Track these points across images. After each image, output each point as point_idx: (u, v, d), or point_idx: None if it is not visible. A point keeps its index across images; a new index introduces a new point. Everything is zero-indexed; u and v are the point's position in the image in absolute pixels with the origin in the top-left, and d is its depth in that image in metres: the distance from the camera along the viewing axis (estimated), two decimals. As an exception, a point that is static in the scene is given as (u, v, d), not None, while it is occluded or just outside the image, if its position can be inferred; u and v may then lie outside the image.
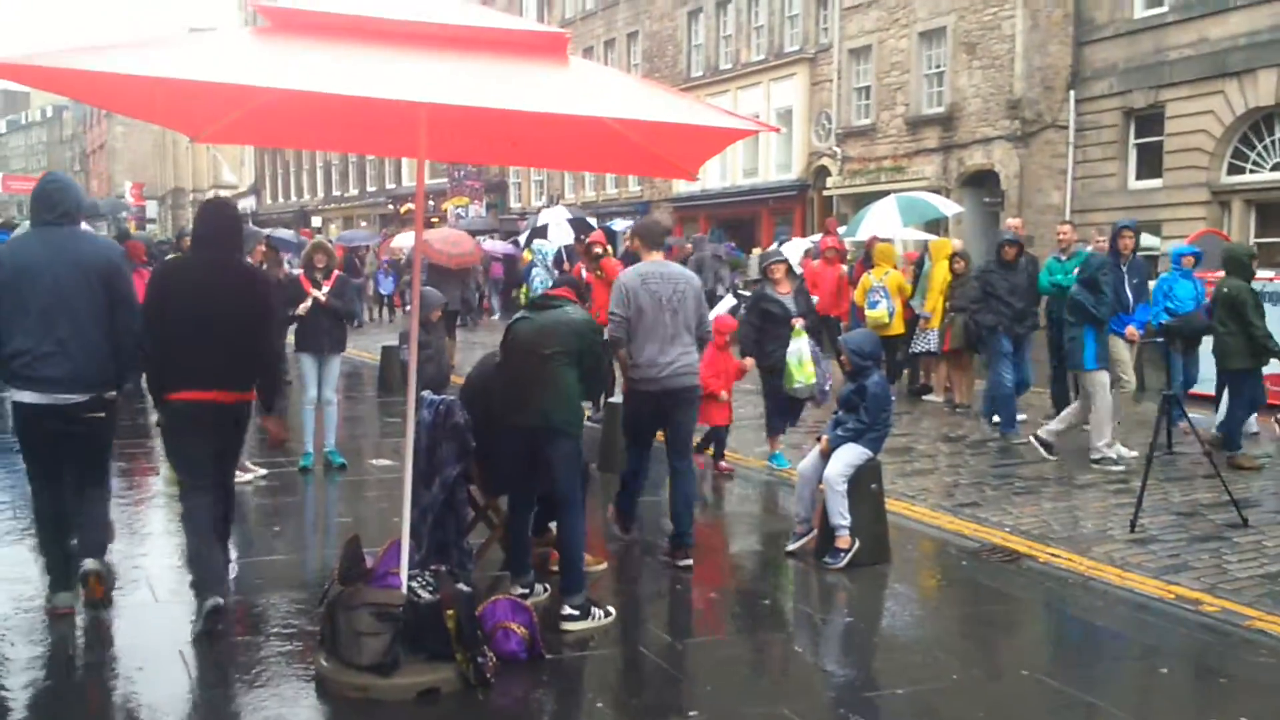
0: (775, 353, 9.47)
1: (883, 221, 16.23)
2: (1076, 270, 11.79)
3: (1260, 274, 12.96)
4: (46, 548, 5.95)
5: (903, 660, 5.66)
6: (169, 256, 10.09)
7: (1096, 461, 9.78)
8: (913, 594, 6.88)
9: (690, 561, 6.93)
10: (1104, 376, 9.77)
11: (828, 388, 9.52)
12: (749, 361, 9.64)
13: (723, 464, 9.83)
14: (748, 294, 20.52)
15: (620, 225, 26.62)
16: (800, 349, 9.36)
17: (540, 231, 21.06)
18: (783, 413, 9.96)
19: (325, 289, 9.40)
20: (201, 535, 5.68)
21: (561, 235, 19.89)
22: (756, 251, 29.42)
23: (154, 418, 6.85)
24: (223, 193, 70.74)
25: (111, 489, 6.36)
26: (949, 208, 18.06)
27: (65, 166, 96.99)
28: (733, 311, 17.25)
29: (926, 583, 7.13)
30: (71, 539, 5.91)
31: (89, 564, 5.86)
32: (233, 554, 7.00)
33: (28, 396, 5.62)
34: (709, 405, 9.32)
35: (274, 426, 6.23)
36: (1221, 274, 10.34)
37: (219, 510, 5.84)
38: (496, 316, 27.88)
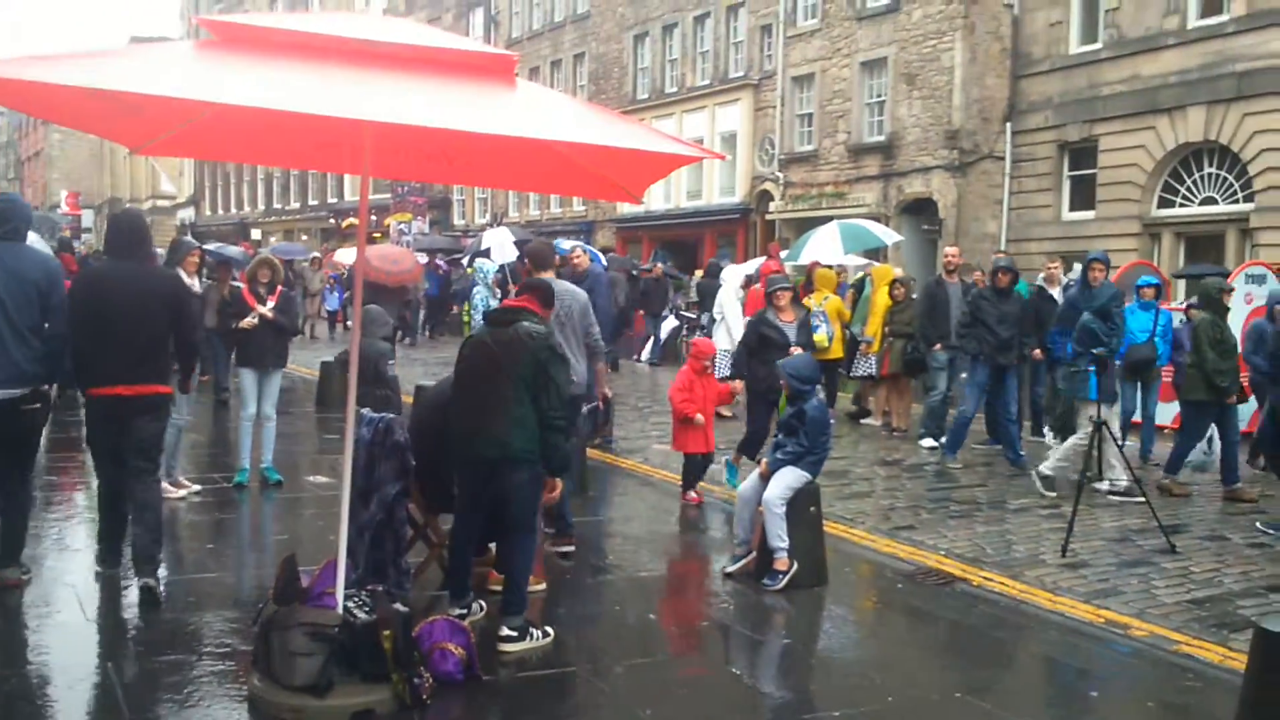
0: (766, 379, 9.20)
1: (825, 247, 16.38)
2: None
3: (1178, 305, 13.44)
4: None
5: (840, 682, 5.71)
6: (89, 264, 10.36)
7: (1042, 481, 9.82)
8: (850, 616, 6.95)
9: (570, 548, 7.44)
10: (1102, 410, 9.26)
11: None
12: (738, 384, 9.40)
13: (690, 494, 9.47)
14: (690, 315, 20.58)
15: (567, 244, 26.44)
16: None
17: (483, 254, 20.92)
18: (757, 442, 9.73)
19: (270, 304, 9.33)
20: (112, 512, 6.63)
21: (505, 255, 19.77)
22: (699, 274, 29.60)
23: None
24: (161, 203, 69.93)
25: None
26: (889, 236, 18.27)
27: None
28: (674, 334, 17.17)
29: (863, 605, 7.19)
30: None
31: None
32: (164, 572, 6.94)
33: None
34: (683, 431, 9.23)
35: None
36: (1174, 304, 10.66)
37: (132, 490, 6.45)
38: (425, 334, 27.48)
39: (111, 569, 6.79)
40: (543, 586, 6.83)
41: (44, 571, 6.88)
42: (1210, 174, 19.40)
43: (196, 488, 9.21)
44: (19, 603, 6.27)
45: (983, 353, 11.12)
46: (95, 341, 6.24)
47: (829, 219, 19.51)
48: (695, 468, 9.45)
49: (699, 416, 9.10)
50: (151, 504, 6.49)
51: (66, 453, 10.47)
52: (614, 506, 9.76)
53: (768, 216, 28.95)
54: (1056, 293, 12.25)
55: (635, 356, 21.21)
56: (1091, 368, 9.33)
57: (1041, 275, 13.04)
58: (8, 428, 6.16)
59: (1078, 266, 11.88)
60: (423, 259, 17.13)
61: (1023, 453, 11.16)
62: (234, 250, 15.88)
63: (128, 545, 6.63)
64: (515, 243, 20.36)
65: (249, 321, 9.20)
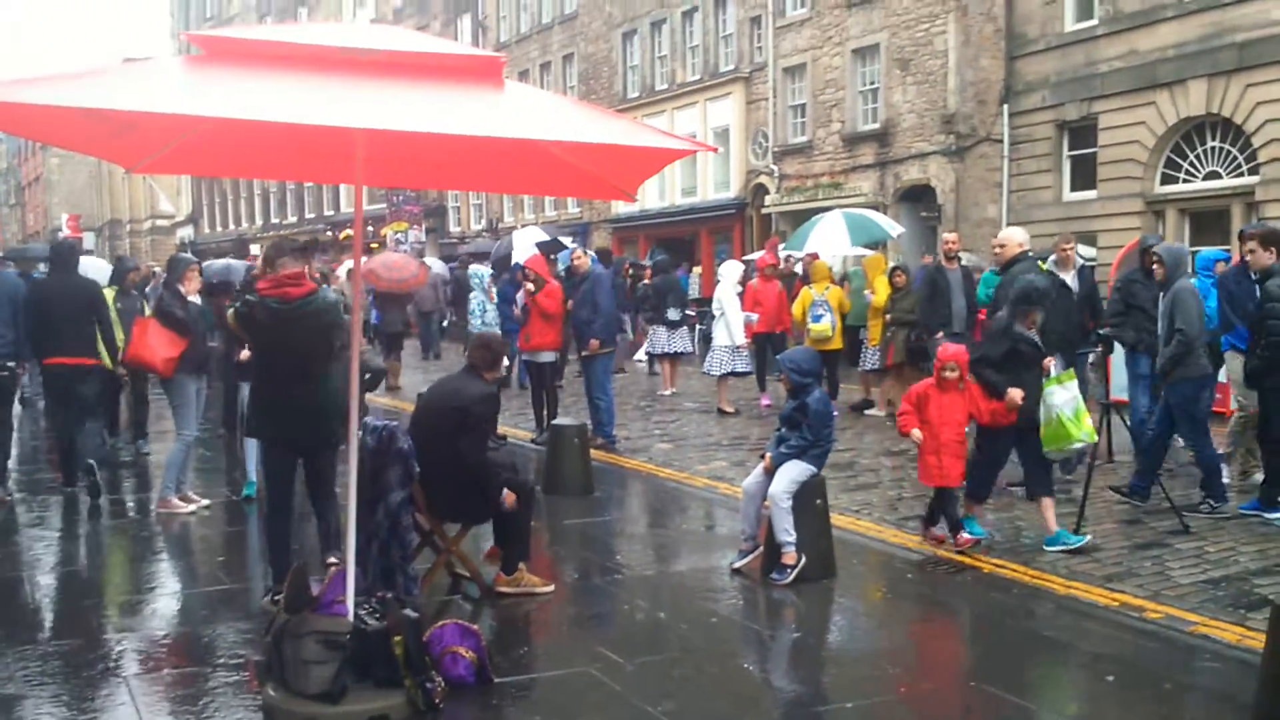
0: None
1: (831, 238, 16.33)
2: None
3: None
4: None
5: (851, 674, 5.70)
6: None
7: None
8: (859, 607, 6.94)
9: None
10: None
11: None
12: (1017, 393, 7.41)
13: (963, 535, 7.62)
14: (691, 313, 20.49)
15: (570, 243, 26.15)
16: (1075, 398, 7.55)
17: (504, 261, 20.38)
18: (989, 480, 8.10)
19: None
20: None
21: (522, 256, 19.23)
22: (696, 270, 29.59)
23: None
24: (160, 223, 70.04)
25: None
26: (894, 228, 18.23)
27: (0, 200, 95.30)
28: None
29: (873, 596, 7.19)
30: None
31: None
32: (177, 584, 7.03)
33: None
34: (923, 457, 7.59)
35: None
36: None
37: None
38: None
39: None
40: (551, 589, 6.84)
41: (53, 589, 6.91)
42: (1213, 148, 19.30)
43: (206, 502, 9.23)
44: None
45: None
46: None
47: (826, 210, 19.48)
48: (942, 504, 7.70)
49: (915, 433, 7.53)
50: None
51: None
52: (620, 506, 9.77)
53: (764, 210, 28.92)
54: (1070, 277, 10.57)
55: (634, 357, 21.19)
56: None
57: (1053, 258, 10.99)
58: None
59: (1084, 249, 10.80)
60: (484, 268, 16.68)
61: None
62: (239, 265, 15.78)
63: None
64: (540, 244, 20.00)
65: (245, 355, 9.10)
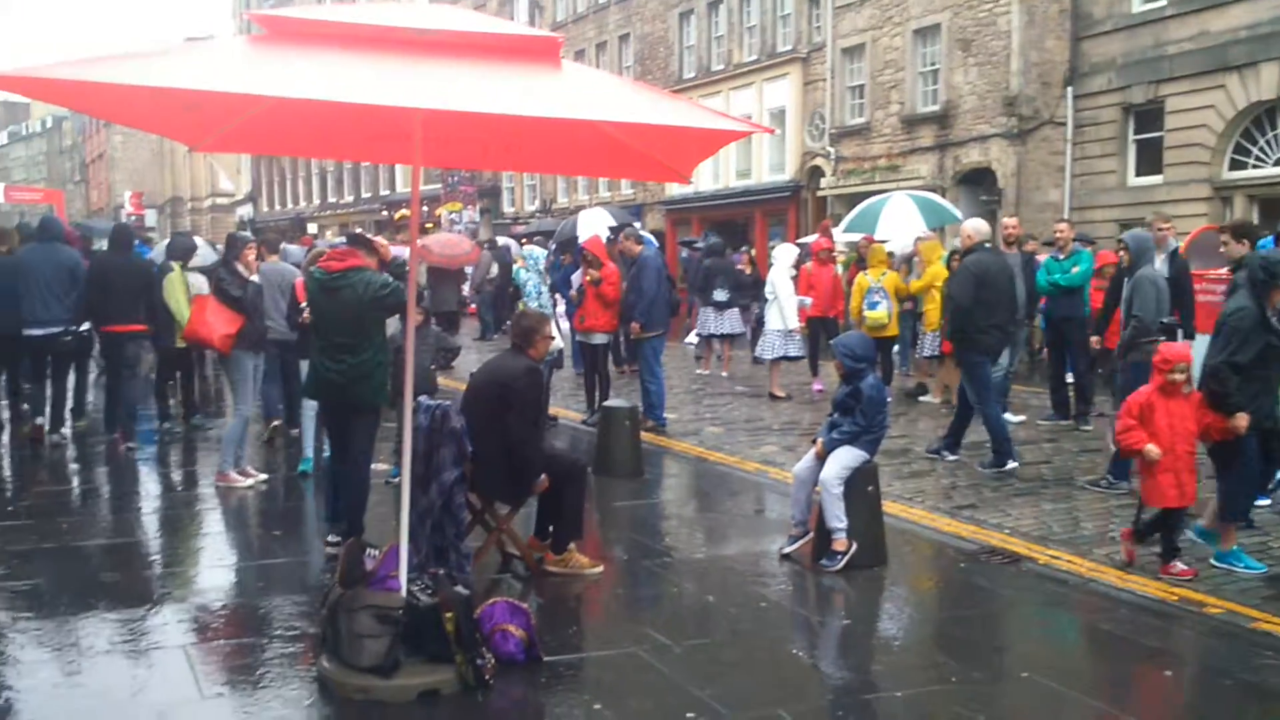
0: (1260, 401, 6.83)
1: (902, 222, 16.15)
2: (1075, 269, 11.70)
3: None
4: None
5: (901, 662, 5.67)
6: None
7: None
8: (910, 596, 6.89)
9: None
10: None
11: None
12: (1243, 420, 6.66)
13: (1175, 565, 6.83)
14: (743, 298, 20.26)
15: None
16: None
17: (571, 240, 19.86)
18: (1248, 495, 7.16)
19: None
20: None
21: (585, 236, 18.74)
22: (751, 253, 29.40)
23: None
24: (220, 201, 70.95)
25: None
26: (958, 213, 18.02)
27: (65, 177, 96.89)
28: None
29: (924, 585, 7.14)
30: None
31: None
32: (234, 557, 7.19)
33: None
34: (1148, 473, 6.77)
35: None
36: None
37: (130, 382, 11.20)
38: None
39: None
40: (600, 569, 6.87)
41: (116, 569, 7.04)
42: (1284, 133, 18.86)
43: (264, 476, 9.35)
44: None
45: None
46: (105, 298, 10.84)
47: (882, 193, 19.29)
48: (1165, 525, 6.87)
49: (1151, 449, 6.66)
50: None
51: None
52: (668, 489, 9.78)
53: (819, 193, 28.71)
54: (1161, 261, 10.00)
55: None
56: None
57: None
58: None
59: (1135, 232, 10.41)
60: (539, 249, 16.21)
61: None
62: (295, 250, 15.79)
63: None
64: (612, 228, 19.69)
65: (306, 315, 9.25)
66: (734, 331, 16.87)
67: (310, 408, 9.50)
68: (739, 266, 18.40)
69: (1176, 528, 6.86)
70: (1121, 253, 9.55)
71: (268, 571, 7.01)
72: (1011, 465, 9.80)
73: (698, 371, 17.14)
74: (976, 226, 10.59)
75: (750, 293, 17.73)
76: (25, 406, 11.59)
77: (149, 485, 9.66)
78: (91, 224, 30.99)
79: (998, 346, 10.17)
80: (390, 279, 6.90)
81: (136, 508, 8.81)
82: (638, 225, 20.35)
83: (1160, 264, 9.89)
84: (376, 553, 5.41)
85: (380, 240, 7.77)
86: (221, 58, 4.49)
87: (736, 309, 16.76)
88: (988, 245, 10.50)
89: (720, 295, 16.19)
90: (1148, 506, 6.85)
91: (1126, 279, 9.24)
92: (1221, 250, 8.91)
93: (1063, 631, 6.30)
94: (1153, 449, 6.62)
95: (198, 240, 13.12)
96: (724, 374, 16.77)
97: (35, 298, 10.59)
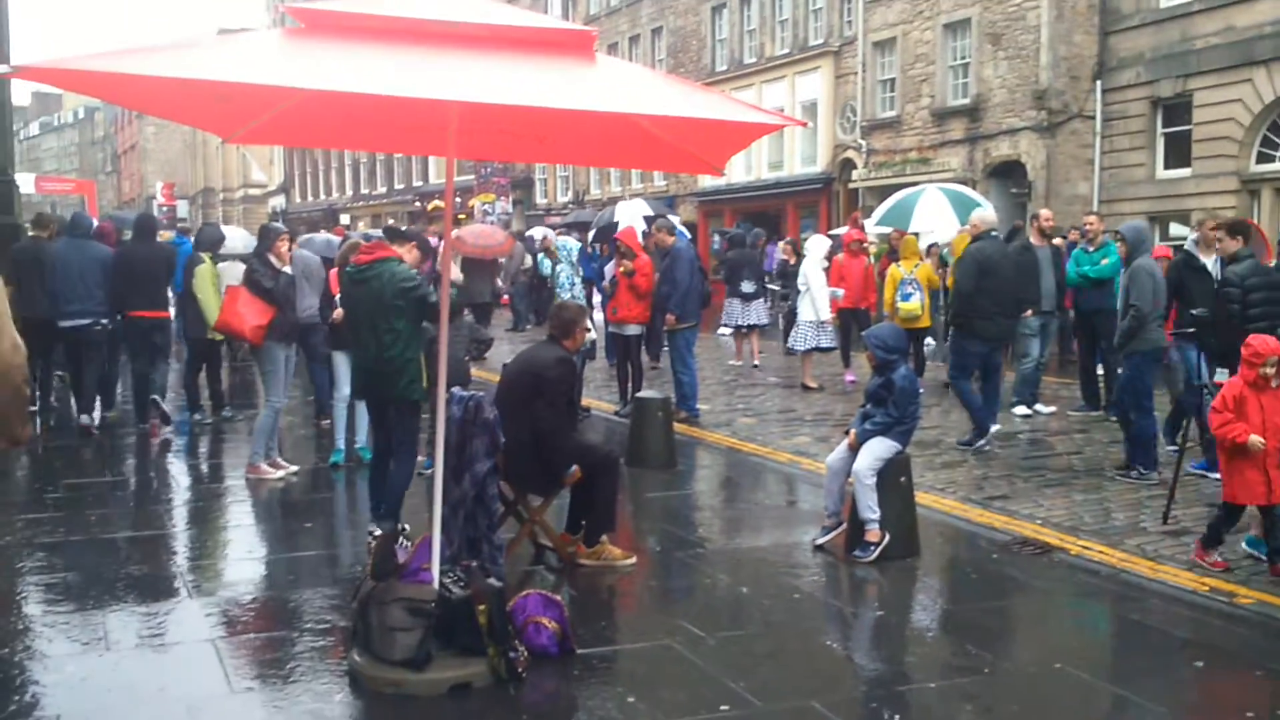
0: None
1: (935, 217, 16.07)
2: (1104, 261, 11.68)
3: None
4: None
5: (934, 653, 5.66)
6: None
7: None
8: (943, 587, 6.88)
9: None
10: None
11: None
12: None
13: (1211, 556, 6.77)
14: (775, 288, 20.26)
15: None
16: None
17: (609, 230, 20.21)
18: None
19: None
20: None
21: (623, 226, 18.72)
22: (783, 244, 29.33)
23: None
24: (253, 192, 71.36)
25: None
26: (989, 206, 17.88)
27: (97, 167, 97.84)
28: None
29: (957, 576, 7.11)
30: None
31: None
32: (265, 549, 7.24)
33: (68, 322, 11.03)
34: (1234, 469, 6.51)
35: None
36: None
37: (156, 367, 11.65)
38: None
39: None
40: (632, 560, 6.88)
41: (157, 558, 7.11)
42: (1312, 127, 18.70)
43: (295, 468, 9.41)
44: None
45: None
46: (129, 286, 11.24)
47: (913, 185, 19.20)
48: (1230, 521, 6.72)
49: (1255, 440, 6.32)
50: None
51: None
52: (701, 480, 9.78)
53: (850, 185, 28.64)
54: (1211, 262, 9.46)
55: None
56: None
57: (1192, 237, 10.29)
58: (89, 339, 11.26)
59: (1132, 223, 10.34)
60: (573, 241, 16.24)
61: None
62: (320, 240, 15.68)
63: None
64: (647, 219, 19.73)
65: (338, 314, 9.31)
66: (760, 322, 16.93)
67: (342, 399, 9.57)
68: (781, 256, 18.40)
69: (1235, 521, 6.71)
70: (1119, 244, 9.77)
71: (298, 564, 7.03)
72: (992, 430, 10.41)
73: (730, 362, 17.15)
74: (983, 215, 10.84)
75: (792, 283, 17.76)
76: (54, 401, 12.12)
77: (179, 477, 9.75)
78: (123, 215, 31.33)
79: (999, 335, 10.48)
80: (416, 273, 6.94)
81: (166, 500, 8.88)
82: (675, 218, 20.33)
83: (1212, 265, 9.49)
84: (409, 544, 5.44)
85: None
86: (256, 50, 4.51)
87: (761, 300, 16.78)
88: (994, 234, 10.71)
89: (747, 287, 16.19)
90: (1226, 503, 6.65)
91: (1123, 269, 9.46)
92: (1216, 246, 9.07)
93: (1095, 622, 6.27)
94: (1257, 440, 6.33)
95: (238, 230, 13.52)
96: (755, 364, 16.77)
97: (68, 290, 10.98)
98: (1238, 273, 8.37)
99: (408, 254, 7.43)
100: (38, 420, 11.44)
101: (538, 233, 24.93)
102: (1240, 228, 8.91)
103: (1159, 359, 9.26)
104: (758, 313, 16.67)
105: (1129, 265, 9.23)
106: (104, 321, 11.22)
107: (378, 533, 6.99)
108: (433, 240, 10.86)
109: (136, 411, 11.55)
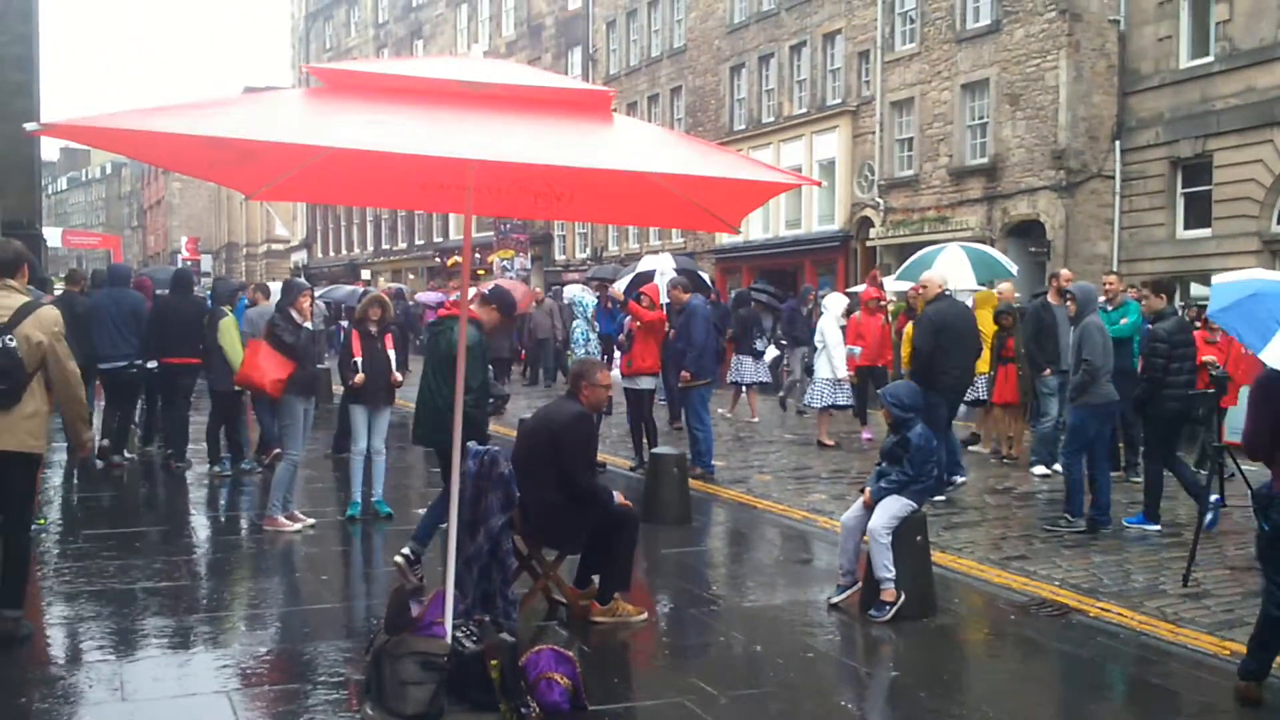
0: None
1: (954, 272, 16.10)
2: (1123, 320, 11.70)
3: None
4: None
5: (950, 715, 5.60)
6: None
7: None
8: (960, 648, 6.82)
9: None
10: None
11: None
12: None
13: None
14: (785, 343, 20.34)
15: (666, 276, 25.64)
16: None
17: (645, 278, 20.12)
18: None
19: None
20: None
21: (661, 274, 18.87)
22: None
23: None
24: (276, 247, 72.00)
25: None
26: (1011, 266, 17.93)
27: (124, 222, 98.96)
28: (774, 364, 17.09)
29: (974, 637, 7.06)
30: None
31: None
32: (281, 601, 7.26)
33: (106, 365, 11.88)
34: None
35: None
36: None
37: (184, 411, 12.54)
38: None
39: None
40: (644, 616, 6.85)
41: (138, 603, 7.12)
42: (1331, 188, 18.73)
43: (311, 521, 9.42)
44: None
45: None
46: (168, 334, 11.98)
47: (931, 244, 19.26)
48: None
49: None
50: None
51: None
52: (716, 536, 9.75)
53: (868, 243, 28.73)
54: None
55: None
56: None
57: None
58: (130, 380, 12.34)
59: (1081, 284, 10.92)
60: (588, 294, 16.61)
61: None
62: (342, 292, 15.80)
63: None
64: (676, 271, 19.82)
65: (360, 379, 9.47)
66: (765, 379, 17.49)
67: (359, 452, 9.61)
68: (806, 309, 18.73)
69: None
70: (1069, 303, 10.40)
71: (313, 617, 7.03)
72: (959, 480, 10.97)
73: (722, 413, 17.09)
74: (933, 277, 11.54)
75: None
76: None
77: (197, 529, 9.77)
78: (155, 271, 32.46)
79: (959, 386, 11.02)
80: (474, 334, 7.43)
81: (184, 551, 8.89)
82: (704, 274, 20.61)
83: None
84: (425, 599, 5.44)
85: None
86: (279, 109, 4.60)
87: (763, 357, 17.39)
88: (948, 293, 11.34)
89: (759, 345, 16.44)
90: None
91: (1074, 326, 10.07)
92: (1143, 304, 9.95)
93: (1114, 685, 6.21)
94: None
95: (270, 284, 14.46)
96: (754, 419, 16.97)
97: (105, 335, 11.87)
98: (1165, 329, 9.35)
99: (487, 315, 7.82)
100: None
101: (573, 290, 25.08)
102: (1164, 286, 9.87)
103: (1112, 413, 9.78)
104: (764, 370, 17.16)
105: (1077, 323, 9.86)
106: (139, 363, 12.07)
107: (404, 553, 7.52)
108: (453, 295, 10.99)
109: (173, 451, 12.26)
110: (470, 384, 7.00)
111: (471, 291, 7.23)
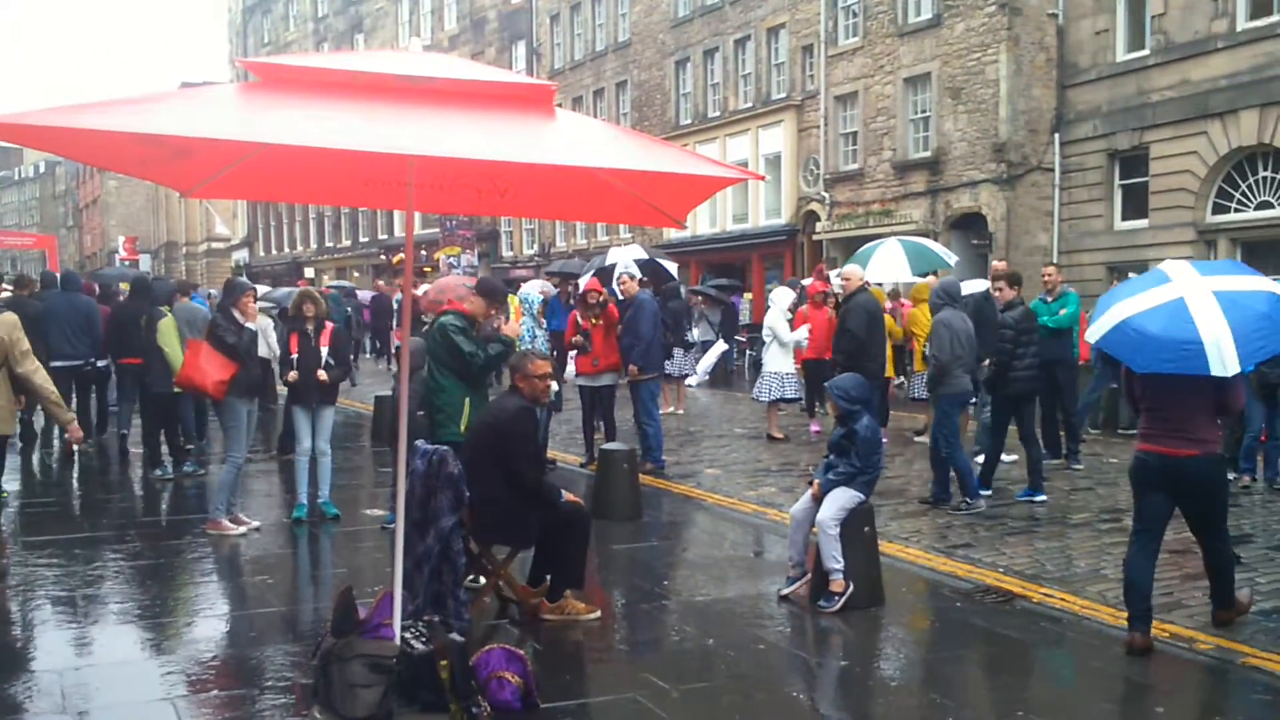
0: None
1: (890, 266, 16.25)
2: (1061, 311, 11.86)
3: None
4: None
5: (899, 703, 5.65)
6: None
7: None
8: (908, 636, 6.88)
9: None
10: None
11: None
12: None
13: None
14: (741, 338, 20.51)
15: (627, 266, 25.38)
16: None
17: (606, 273, 20.13)
18: None
19: (323, 350, 9.43)
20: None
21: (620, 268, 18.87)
22: (748, 296, 29.52)
23: None
24: (216, 245, 71.07)
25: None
26: (950, 257, 18.10)
27: (58, 222, 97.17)
28: (724, 357, 17.10)
29: (921, 625, 7.12)
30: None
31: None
32: (226, 606, 7.13)
33: (61, 363, 12.33)
34: None
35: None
36: None
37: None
38: (368, 356, 29.98)
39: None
40: (597, 614, 6.83)
41: (94, 611, 7.00)
42: (1266, 178, 19.13)
43: (256, 524, 9.31)
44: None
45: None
46: (122, 337, 12.77)
47: (876, 237, 19.40)
48: None
49: None
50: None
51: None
52: (667, 531, 9.75)
53: (815, 237, 28.91)
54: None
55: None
56: None
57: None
58: (84, 377, 13.37)
59: (944, 279, 11.61)
60: (549, 288, 16.97)
61: None
62: (281, 293, 15.69)
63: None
64: (639, 262, 19.79)
65: (293, 376, 9.34)
66: (690, 372, 18.38)
67: (303, 452, 9.50)
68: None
69: None
70: (998, 295, 10.94)
71: (259, 621, 6.93)
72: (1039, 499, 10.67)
73: (675, 411, 17.33)
74: (855, 270, 12.26)
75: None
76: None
77: (138, 532, 9.61)
78: (106, 273, 33.07)
79: (880, 374, 12.00)
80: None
81: (124, 555, 8.74)
82: (672, 266, 21.07)
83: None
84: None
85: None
86: (214, 104, 4.51)
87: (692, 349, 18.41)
88: (868, 286, 12.08)
89: (691, 336, 16.77)
90: None
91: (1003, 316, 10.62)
92: (996, 294, 10.77)
93: (1056, 669, 6.28)
94: None
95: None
96: (680, 411, 17.45)
97: (60, 336, 12.87)
98: (1013, 318, 10.27)
99: (476, 305, 7.99)
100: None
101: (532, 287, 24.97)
102: (1017, 278, 10.65)
103: (966, 401, 10.64)
104: (693, 361, 18.07)
105: (978, 315, 10.66)
106: (94, 361, 13.09)
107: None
108: (397, 295, 10.92)
109: (149, 457, 12.31)
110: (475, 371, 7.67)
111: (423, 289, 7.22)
